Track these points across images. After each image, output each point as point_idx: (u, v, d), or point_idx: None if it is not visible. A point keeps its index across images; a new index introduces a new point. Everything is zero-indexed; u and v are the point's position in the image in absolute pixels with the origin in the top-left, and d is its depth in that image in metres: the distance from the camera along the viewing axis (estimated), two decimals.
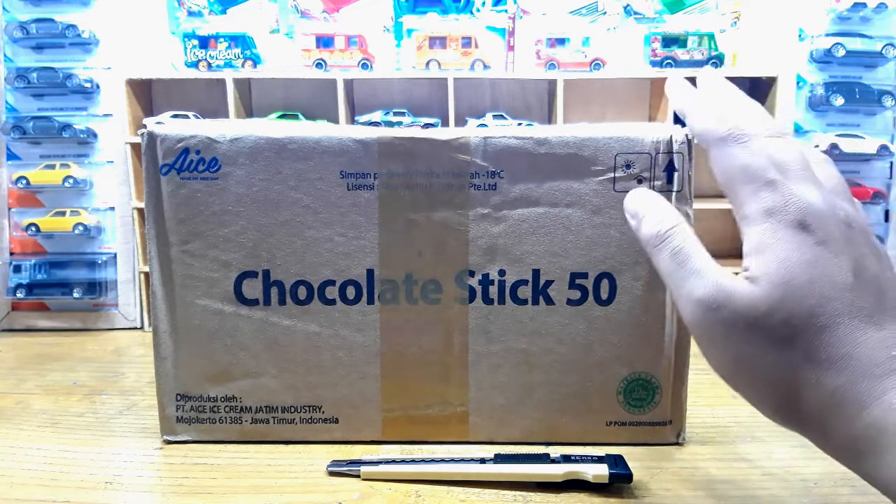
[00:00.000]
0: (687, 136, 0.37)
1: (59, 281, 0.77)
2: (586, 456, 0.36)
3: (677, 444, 0.41)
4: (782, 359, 0.26)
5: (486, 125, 0.78)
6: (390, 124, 0.79)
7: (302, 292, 0.39)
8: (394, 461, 0.37)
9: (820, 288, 0.25)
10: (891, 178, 0.79)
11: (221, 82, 0.77)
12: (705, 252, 0.29)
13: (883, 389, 0.24)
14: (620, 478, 0.34)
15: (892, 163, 0.79)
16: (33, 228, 0.76)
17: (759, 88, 0.81)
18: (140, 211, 0.75)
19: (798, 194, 0.26)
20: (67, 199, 0.77)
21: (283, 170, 0.38)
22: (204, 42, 0.80)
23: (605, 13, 0.82)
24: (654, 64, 0.80)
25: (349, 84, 0.82)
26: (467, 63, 0.80)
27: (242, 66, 0.80)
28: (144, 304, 0.78)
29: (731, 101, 0.29)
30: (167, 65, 0.82)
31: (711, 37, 0.80)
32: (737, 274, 0.27)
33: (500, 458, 0.37)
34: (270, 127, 0.39)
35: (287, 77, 0.81)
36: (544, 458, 0.36)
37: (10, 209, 0.77)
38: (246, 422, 0.41)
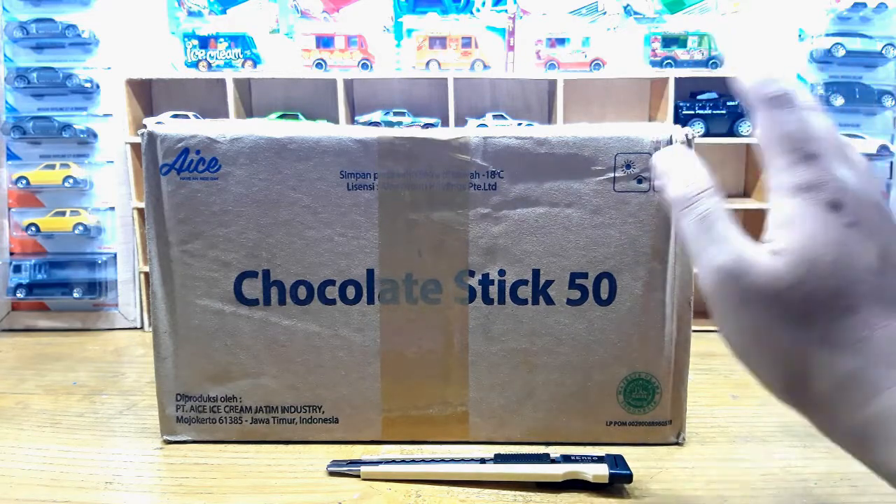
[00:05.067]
0: (687, 135, 0.37)
1: (59, 281, 0.77)
2: (586, 456, 0.36)
3: (677, 444, 0.41)
4: (797, 336, 0.26)
5: (486, 125, 0.78)
6: (390, 124, 0.79)
7: (302, 292, 0.39)
8: (394, 461, 0.37)
9: (845, 269, 0.25)
10: (891, 178, 0.79)
11: (221, 82, 0.77)
12: (732, 220, 0.28)
13: None
14: (620, 478, 0.34)
15: (892, 163, 0.79)
16: (33, 228, 0.76)
17: None
18: (140, 211, 0.75)
19: (834, 173, 0.26)
20: (67, 199, 0.77)
21: (283, 170, 0.38)
22: (204, 42, 0.80)
23: (605, 13, 0.82)
24: (654, 64, 0.80)
25: (349, 84, 0.82)
26: (467, 63, 0.80)
27: (242, 66, 0.80)
28: (144, 304, 0.78)
29: (776, 64, 0.29)
30: (167, 65, 0.82)
31: (711, 37, 0.80)
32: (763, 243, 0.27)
33: (500, 458, 0.37)
34: (270, 127, 0.39)
35: (287, 77, 0.81)
36: (544, 458, 0.36)
37: (10, 209, 0.77)
38: (246, 422, 0.41)
